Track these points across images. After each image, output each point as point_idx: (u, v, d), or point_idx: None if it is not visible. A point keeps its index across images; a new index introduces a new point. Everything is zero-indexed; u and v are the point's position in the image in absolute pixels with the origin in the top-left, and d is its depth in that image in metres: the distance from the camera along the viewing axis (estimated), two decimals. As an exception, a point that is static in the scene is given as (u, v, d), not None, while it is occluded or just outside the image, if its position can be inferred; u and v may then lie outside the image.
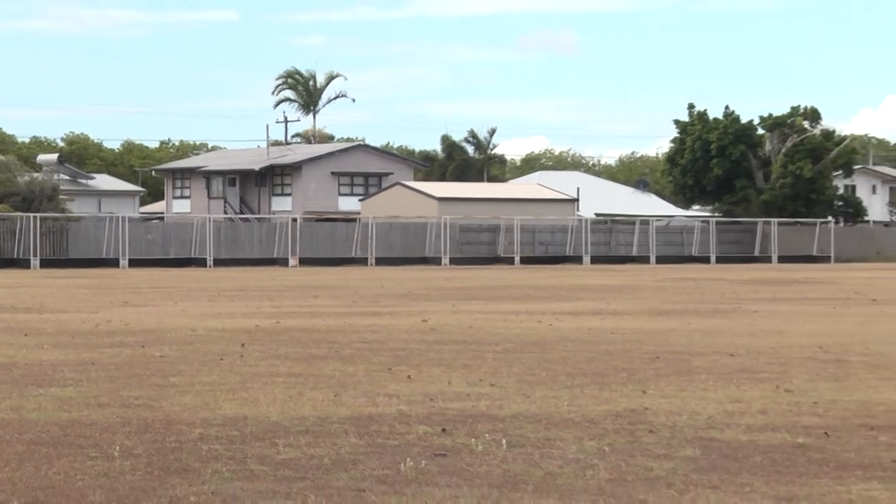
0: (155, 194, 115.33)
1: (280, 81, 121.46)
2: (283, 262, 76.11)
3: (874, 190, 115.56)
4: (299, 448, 10.95)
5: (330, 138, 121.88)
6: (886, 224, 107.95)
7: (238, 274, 60.50)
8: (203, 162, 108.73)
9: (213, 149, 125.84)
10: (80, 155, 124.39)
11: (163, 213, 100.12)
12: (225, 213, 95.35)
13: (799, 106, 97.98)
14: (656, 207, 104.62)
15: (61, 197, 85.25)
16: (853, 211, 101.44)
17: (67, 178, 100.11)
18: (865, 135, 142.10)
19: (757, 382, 15.58)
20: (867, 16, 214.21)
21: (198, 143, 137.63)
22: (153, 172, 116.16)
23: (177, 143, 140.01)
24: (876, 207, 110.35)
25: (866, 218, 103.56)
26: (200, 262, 74.06)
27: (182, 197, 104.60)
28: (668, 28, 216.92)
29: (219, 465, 10.15)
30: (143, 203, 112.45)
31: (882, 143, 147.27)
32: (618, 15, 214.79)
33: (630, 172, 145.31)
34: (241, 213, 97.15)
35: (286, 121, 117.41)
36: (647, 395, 14.32)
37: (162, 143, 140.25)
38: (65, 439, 11.43)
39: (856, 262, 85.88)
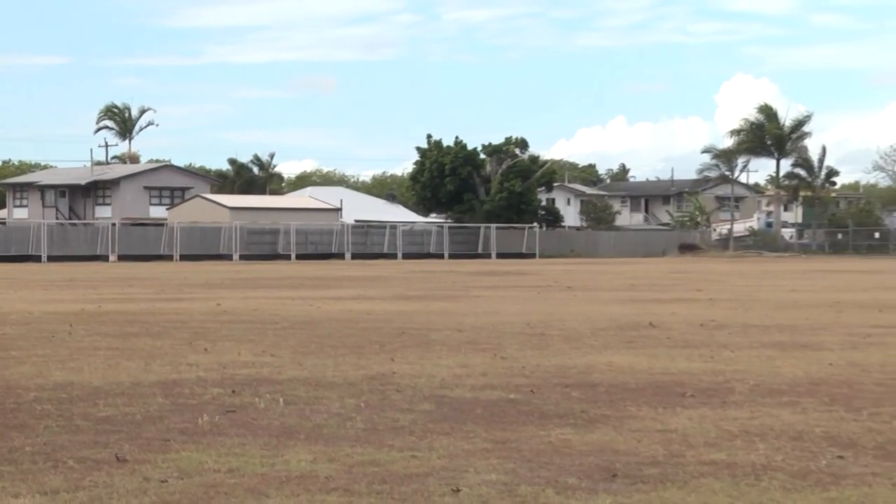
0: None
1: (102, 113, 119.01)
2: (104, 258, 74.57)
3: (569, 202, 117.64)
4: (116, 407, 10.74)
5: (137, 159, 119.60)
6: (578, 228, 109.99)
7: (67, 268, 59.03)
8: (38, 178, 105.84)
9: (47, 167, 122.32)
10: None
11: (5, 219, 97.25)
12: (56, 219, 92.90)
13: (512, 136, 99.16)
14: (402, 215, 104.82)
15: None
16: (553, 218, 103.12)
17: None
18: (562, 159, 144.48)
19: (479, 352, 15.75)
20: (564, 68, 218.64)
21: (34, 162, 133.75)
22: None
23: (16, 163, 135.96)
24: (570, 215, 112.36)
25: (563, 224, 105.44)
26: (36, 259, 72.33)
27: (21, 206, 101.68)
28: (411, 74, 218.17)
29: (50, 422, 9.91)
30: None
31: (573, 166, 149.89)
32: (368, 64, 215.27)
33: (382, 187, 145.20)
34: (70, 219, 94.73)
35: (107, 145, 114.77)
36: (394, 363, 14.37)
37: (4, 162, 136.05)
38: (-79, 403, 11.01)
39: (555, 257, 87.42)
